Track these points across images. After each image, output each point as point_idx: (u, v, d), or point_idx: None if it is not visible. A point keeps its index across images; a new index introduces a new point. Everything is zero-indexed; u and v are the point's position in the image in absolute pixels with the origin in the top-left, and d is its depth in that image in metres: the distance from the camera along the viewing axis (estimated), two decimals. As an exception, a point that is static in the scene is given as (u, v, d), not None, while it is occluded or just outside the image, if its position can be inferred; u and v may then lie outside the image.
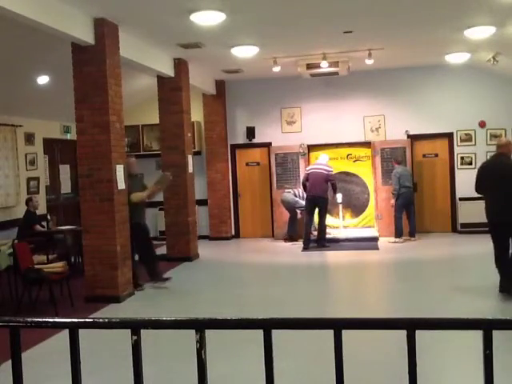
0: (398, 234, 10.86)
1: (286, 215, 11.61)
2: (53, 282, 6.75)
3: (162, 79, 9.60)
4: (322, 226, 10.71)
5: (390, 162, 11.38)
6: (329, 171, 10.69)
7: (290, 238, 11.39)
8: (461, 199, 11.48)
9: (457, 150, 11.65)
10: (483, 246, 10.04)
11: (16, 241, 7.02)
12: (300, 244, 10.81)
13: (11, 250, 6.81)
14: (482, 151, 11.52)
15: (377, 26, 8.14)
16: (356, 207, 11.98)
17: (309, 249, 10.50)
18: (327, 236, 10.99)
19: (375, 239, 10.96)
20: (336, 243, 10.80)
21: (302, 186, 11.11)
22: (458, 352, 4.59)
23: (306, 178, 10.72)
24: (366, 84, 11.69)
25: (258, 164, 12.47)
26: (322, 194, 10.55)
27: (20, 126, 10.36)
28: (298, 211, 11.30)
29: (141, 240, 7.75)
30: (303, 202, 11.07)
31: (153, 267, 7.87)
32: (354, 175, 11.95)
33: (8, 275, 7.15)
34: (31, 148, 10.85)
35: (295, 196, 11.35)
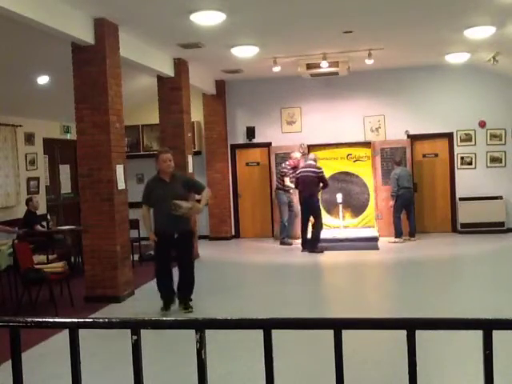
0: (398, 234, 10.86)
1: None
2: (53, 282, 6.75)
3: (161, 79, 9.60)
4: (316, 229, 10.38)
5: (390, 161, 11.39)
6: (318, 173, 10.35)
7: (282, 242, 11.27)
8: (461, 199, 11.47)
9: (457, 150, 11.65)
10: (483, 246, 10.07)
11: (16, 241, 7.02)
12: (292, 246, 10.91)
13: (11, 250, 6.81)
14: (482, 151, 11.53)
15: (377, 26, 8.14)
16: (356, 207, 11.98)
17: (307, 249, 10.43)
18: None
19: (375, 239, 10.95)
20: (336, 243, 10.79)
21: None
22: (458, 352, 4.59)
23: (297, 183, 10.53)
24: (366, 84, 11.69)
25: (257, 164, 12.47)
26: (312, 195, 10.36)
27: (20, 126, 10.37)
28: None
29: (165, 253, 6.29)
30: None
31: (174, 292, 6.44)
32: (354, 175, 11.95)
33: (8, 275, 7.15)
34: (31, 148, 10.85)
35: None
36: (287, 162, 11.20)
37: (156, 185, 6.22)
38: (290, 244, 11.06)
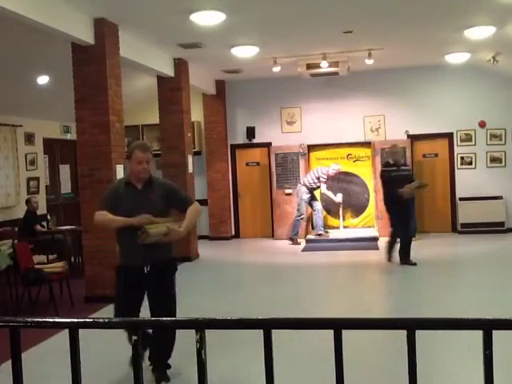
0: (398, 233, 10.84)
1: (286, 215, 11.62)
2: (53, 282, 6.75)
3: (162, 79, 9.60)
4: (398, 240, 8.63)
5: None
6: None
7: (291, 238, 11.33)
8: (461, 199, 11.47)
9: (457, 149, 11.65)
10: (483, 246, 10.07)
11: (16, 241, 7.02)
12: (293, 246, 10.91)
13: (11, 250, 6.81)
14: (482, 151, 11.53)
15: (377, 26, 8.14)
16: (356, 207, 11.98)
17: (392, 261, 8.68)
18: (323, 237, 11.07)
19: (375, 239, 10.95)
20: (336, 243, 10.79)
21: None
22: (458, 352, 4.58)
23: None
24: (366, 84, 11.69)
25: (257, 164, 12.47)
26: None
27: (20, 126, 10.36)
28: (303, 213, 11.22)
29: (131, 297, 4.10)
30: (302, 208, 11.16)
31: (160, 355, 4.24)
32: (354, 175, 11.95)
33: (8, 275, 7.14)
34: (31, 148, 10.84)
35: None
36: (325, 170, 11.10)
37: (123, 193, 4.19)
38: (298, 243, 11.05)
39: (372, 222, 11.80)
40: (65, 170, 12.00)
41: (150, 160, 4.17)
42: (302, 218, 11.14)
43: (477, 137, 11.53)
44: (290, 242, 11.22)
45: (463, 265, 8.99)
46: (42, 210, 10.23)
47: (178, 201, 4.24)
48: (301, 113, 12.13)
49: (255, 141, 12.29)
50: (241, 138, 12.42)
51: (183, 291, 7.55)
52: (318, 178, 11.03)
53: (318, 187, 11.12)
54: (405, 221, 8.44)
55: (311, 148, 11.99)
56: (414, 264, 8.39)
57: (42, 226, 9.32)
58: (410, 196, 8.45)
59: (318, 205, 11.23)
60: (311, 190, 11.12)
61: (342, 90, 11.76)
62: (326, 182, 11.07)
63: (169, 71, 9.48)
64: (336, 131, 11.80)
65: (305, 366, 4.60)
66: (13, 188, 10.17)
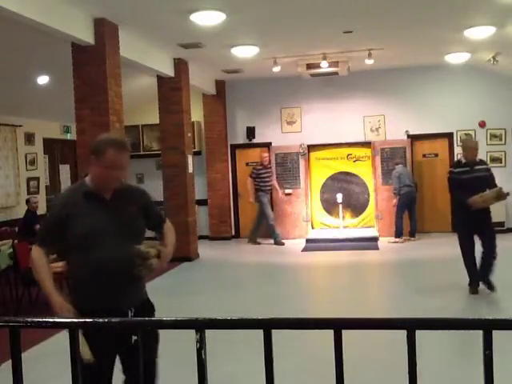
0: (398, 233, 10.85)
1: (286, 215, 11.62)
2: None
3: (161, 79, 9.61)
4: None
5: (390, 162, 11.39)
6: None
7: (276, 242, 11.23)
8: (461, 199, 11.45)
9: (457, 150, 11.62)
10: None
11: (16, 241, 7.02)
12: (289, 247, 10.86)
13: (11, 250, 6.81)
14: (482, 151, 11.49)
15: (377, 26, 8.14)
16: (356, 207, 11.98)
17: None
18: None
19: (375, 239, 10.96)
20: (336, 243, 10.79)
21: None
22: (457, 352, 4.58)
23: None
24: (366, 84, 11.69)
25: (257, 164, 12.45)
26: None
27: (20, 126, 10.37)
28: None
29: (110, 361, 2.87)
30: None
31: None
32: (353, 175, 11.95)
33: (8, 275, 7.14)
34: (31, 148, 10.85)
35: None
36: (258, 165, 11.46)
37: (81, 209, 2.75)
38: (283, 244, 11.08)
39: (372, 222, 11.80)
40: (65, 170, 12.01)
41: (126, 164, 2.77)
42: (270, 221, 11.17)
43: (477, 137, 11.52)
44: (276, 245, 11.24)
45: (463, 265, 8.97)
46: (41, 210, 10.24)
47: (154, 216, 3.04)
48: (301, 113, 12.13)
49: (255, 141, 12.29)
50: (241, 138, 12.42)
51: (183, 291, 7.58)
52: (259, 176, 11.27)
53: (269, 185, 11.29)
54: (480, 235, 6.61)
55: (311, 148, 11.99)
56: (492, 288, 6.53)
57: (42, 226, 9.31)
58: (483, 207, 6.29)
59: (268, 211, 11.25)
60: (267, 191, 11.26)
61: (341, 90, 11.76)
62: (255, 175, 11.24)
63: (169, 71, 9.48)
64: (336, 131, 11.80)
65: (305, 365, 4.60)
66: (13, 188, 10.18)
